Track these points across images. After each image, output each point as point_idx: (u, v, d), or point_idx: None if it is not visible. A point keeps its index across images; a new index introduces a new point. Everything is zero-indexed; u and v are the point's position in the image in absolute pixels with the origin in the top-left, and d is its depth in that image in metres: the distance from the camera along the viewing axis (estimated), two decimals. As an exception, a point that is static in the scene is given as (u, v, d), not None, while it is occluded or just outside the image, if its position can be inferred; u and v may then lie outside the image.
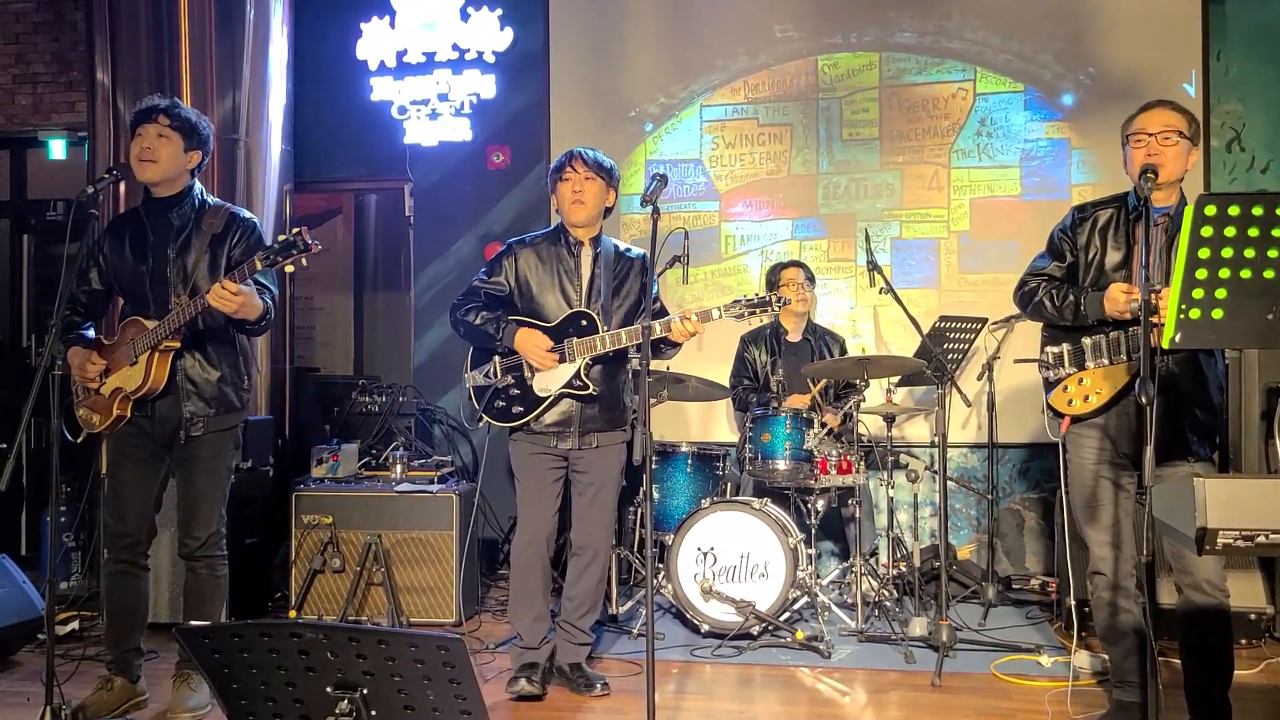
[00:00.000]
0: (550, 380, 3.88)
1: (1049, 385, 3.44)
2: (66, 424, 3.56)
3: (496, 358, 3.96)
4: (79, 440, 3.79)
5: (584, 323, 3.88)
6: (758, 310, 3.66)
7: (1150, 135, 3.24)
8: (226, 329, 3.81)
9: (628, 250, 4.10)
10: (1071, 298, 3.33)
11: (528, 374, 3.91)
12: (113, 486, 3.79)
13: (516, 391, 3.93)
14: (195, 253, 3.72)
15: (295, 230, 3.42)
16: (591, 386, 3.87)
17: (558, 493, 4.03)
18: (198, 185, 3.85)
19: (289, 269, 3.46)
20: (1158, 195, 3.22)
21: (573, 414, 3.91)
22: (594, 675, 4.05)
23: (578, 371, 3.86)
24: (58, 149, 6.73)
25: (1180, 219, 3.23)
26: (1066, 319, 3.35)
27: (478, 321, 3.94)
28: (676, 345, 3.92)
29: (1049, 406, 3.44)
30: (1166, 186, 3.25)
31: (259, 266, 3.47)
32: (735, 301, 3.69)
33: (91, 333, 3.84)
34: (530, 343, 3.87)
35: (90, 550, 5.27)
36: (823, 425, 4.86)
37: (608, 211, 4.08)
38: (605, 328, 3.87)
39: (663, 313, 3.93)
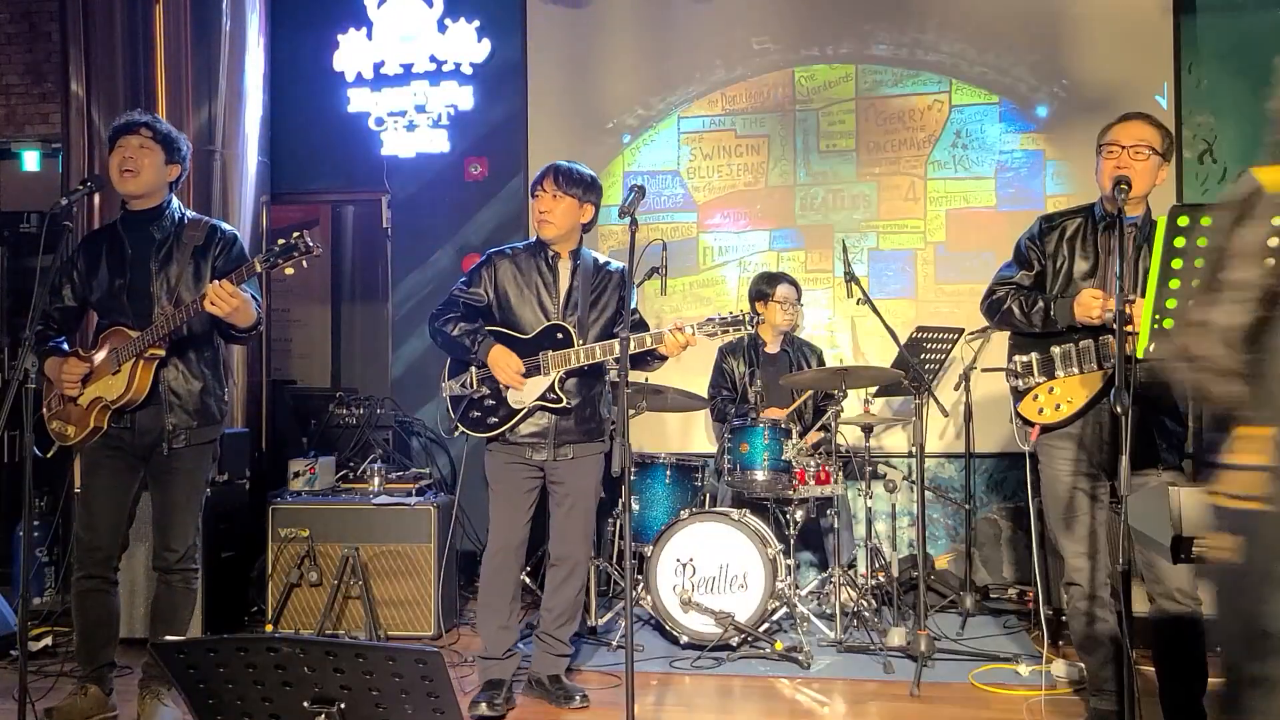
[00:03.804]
0: (524, 392, 3.88)
1: (1018, 394, 3.44)
2: (38, 439, 3.52)
3: (473, 368, 3.95)
4: (49, 455, 3.75)
5: (559, 336, 3.88)
6: (730, 329, 3.66)
7: (1123, 148, 3.27)
8: (210, 339, 3.79)
9: (607, 263, 4.09)
10: (1041, 304, 3.35)
11: (503, 386, 3.91)
12: (85, 499, 3.75)
13: (492, 402, 3.93)
14: (178, 266, 3.71)
15: (296, 233, 3.42)
16: (565, 400, 3.87)
17: (530, 504, 4.02)
18: (175, 200, 3.84)
19: (289, 271, 3.45)
20: (1129, 207, 3.25)
21: (548, 426, 3.91)
22: (573, 687, 4.04)
23: (551, 385, 3.86)
24: (31, 160, 6.69)
25: (1148, 228, 3.27)
26: (1035, 326, 3.37)
27: (455, 333, 3.93)
28: (664, 358, 3.91)
29: (1018, 415, 3.45)
30: (1137, 199, 3.28)
31: (259, 269, 3.47)
32: (709, 320, 3.68)
33: (66, 346, 3.81)
34: (503, 361, 3.86)
35: (64, 565, 5.21)
36: (801, 436, 4.87)
37: (589, 226, 4.06)
38: (581, 341, 3.86)
39: (642, 325, 3.94)
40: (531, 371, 3.87)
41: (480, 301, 4.01)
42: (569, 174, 3.93)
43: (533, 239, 4.08)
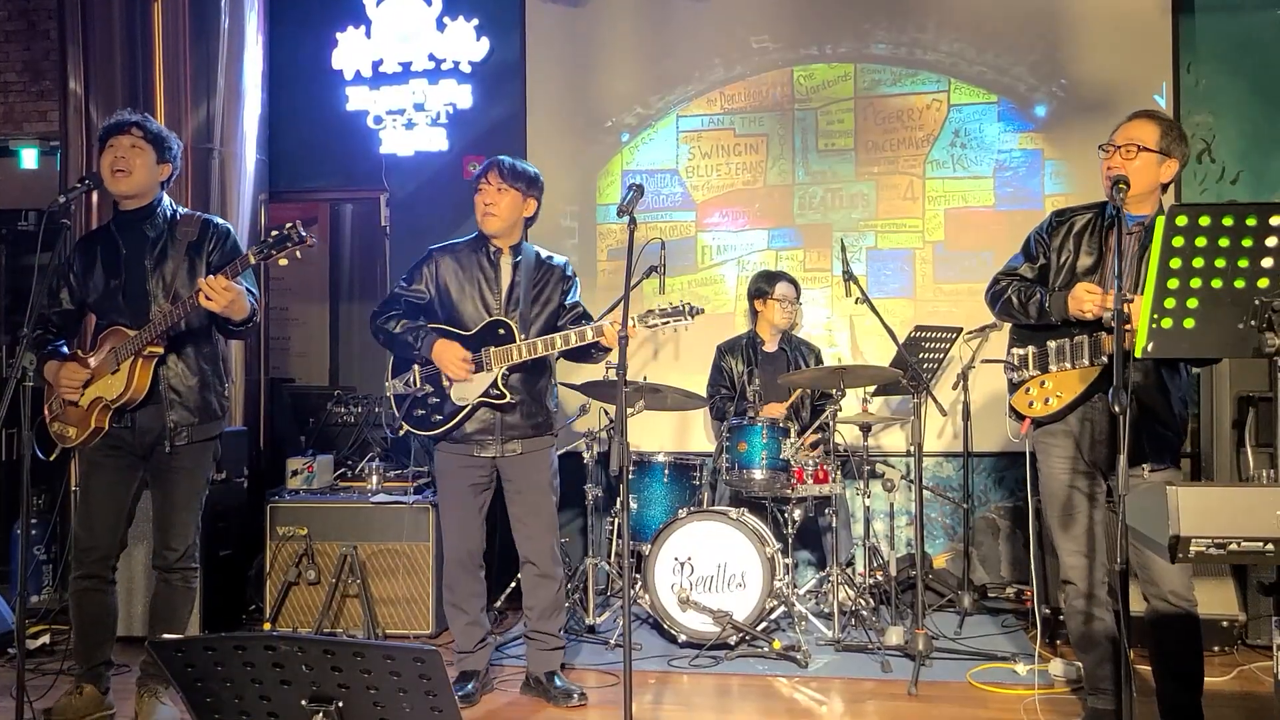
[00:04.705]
0: (468, 389, 3.89)
1: (1013, 387, 3.48)
2: (40, 442, 3.52)
3: (416, 366, 3.97)
4: (52, 458, 3.75)
5: (501, 331, 3.88)
6: (671, 319, 3.65)
7: (1115, 148, 3.29)
8: (208, 335, 3.79)
9: (550, 258, 4.11)
10: (1037, 296, 3.37)
11: (446, 383, 3.92)
12: (83, 499, 3.74)
13: (436, 400, 3.94)
14: (173, 262, 3.71)
15: (289, 224, 3.42)
16: (509, 395, 3.88)
17: (482, 506, 4.04)
18: (166, 197, 3.84)
19: (283, 262, 3.45)
20: (1134, 205, 3.26)
21: (493, 422, 3.93)
22: (570, 686, 4.04)
23: (495, 380, 3.86)
24: (29, 158, 6.67)
25: (1154, 229, 3.27)
26: (1031, 317, 3.38)
27: (398, 330, 3.95)
28: (607, 350, 3.93)
29: (1011, 408, 3.49)
30: (1140, 198, 3.28)
31: (253, 260, 3.47)
32: (649, 311, 3.69)
33: (66, 349, 3.80)
34: (448, 354, 3.87)
35: (62, 563, 5.21)
36: (799, 435, 4.87)
37: (530, 221, 4.09)
38: (522, 336, 3.87)
39: (585, 318, 3.98)
40: (474, 368, 3.87)
41: (422, 299, 4.02)
42: (513, 168, 3.98)
43: (474, 234, 4.09)
